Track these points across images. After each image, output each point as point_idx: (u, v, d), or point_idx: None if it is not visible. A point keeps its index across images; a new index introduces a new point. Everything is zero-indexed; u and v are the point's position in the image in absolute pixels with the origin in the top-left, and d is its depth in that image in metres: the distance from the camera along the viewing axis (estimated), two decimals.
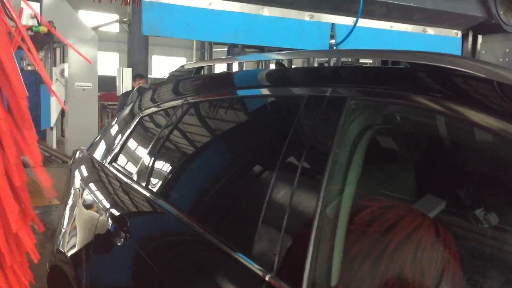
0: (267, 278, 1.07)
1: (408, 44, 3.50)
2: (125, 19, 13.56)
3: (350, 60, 6.16)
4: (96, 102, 8.94)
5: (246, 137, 1.58)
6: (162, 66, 24.27)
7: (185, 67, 2.18)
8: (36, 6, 2.13)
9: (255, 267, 1.12)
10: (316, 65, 5.38)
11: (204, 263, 1.34)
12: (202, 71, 2.14)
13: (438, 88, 1.04)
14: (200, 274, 1.32)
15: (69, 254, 2.07)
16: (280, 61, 3.17)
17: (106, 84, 14.30)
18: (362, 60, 6.98)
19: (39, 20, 2.09)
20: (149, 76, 14.70)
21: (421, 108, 1.03)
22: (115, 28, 21.90)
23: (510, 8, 3.59)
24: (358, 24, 3.16)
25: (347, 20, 3.22)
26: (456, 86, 1.02)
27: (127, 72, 10.06)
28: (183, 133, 1.85)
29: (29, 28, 2.07)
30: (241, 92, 1.65)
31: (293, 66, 4.71)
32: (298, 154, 1.18)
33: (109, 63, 21.88)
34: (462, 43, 3.90)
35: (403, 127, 1.21)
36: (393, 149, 1.27)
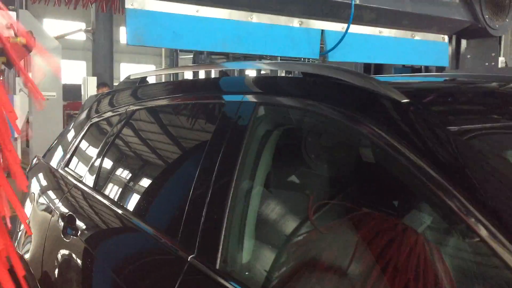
0: (189, 259, 1.29)
1: (396, 49, 3.44)
2: (89, 28, 13.22)
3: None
4: (61, 111, 8.70)
5: (177, 136, 1.86)
6: (154, 69, 23.94)
7: (131, 77, 2.44)
8: (12, 15, 1.95)
9: (180, 251, 1.34)
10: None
11: (135, 247, 1.60)
12: (146, 80, 2.39)
13: (320, 94, 1.28)
14: (134, 259, 1.57)
15: (24, 254, 2.25)
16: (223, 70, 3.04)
17: (73, 93, 13.89)
18: None
19: (15, 31, 1.91)
20: (115, 84, 14.42)
21: (309, 111, 1.26)
22: (82, 37, 21.41)
23: (495, 12, 3.58)
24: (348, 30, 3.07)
25: (337, 26, 3.13)
26: (331, 92, 1.26)
27: (92, 81, 9.90)
28: (126, 137, 2.09)
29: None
30: (174, 99, 1.90)
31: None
32: (217, 151, 1.39)
33: (77, 72, 21.33)
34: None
35: (298, 128, 1.44)
36: (292, 147, 1.46)
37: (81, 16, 19.23)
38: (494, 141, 1.06)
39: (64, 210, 2.03)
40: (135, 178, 1.91)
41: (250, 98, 1.44)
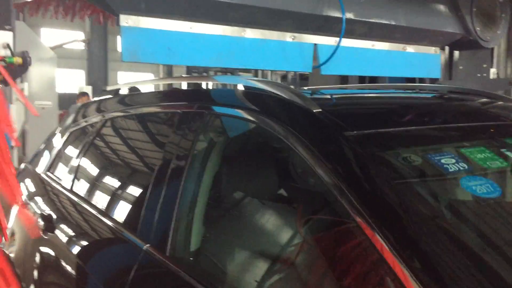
0: (144, 248, 1.51)
1: (389, 62, 3.49)
2: (84, 38, 13.26)
3: None
4: (57, 120, 8.75)
5: (141, 141, 2.13)
6: (129, 81, 23.92)
7: (107, 89, 2.71)
8: (9, 36, 2.00)
9: (138, 240, 1.56)
10: None
11: (100, 237, 1.87)
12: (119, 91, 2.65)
13: (253, 104, 1.50)
14: (98, 246, 1.85)
15: (9, 252, 2.49)
16: None
17: (70, 102, 13.99)
18: None
19: (12, 51, 1.95)
20: None
21: (246, 120, 1.47)
22: (80, 46, 21.45)
23: (486, 25, 3.64)
24: (340, 44, 3.12)
25: (330, 40, 3.18)
26: (261, 102, 1.50)
27: (87, 90, 9.98)
28: (98, 142, 2.33)
29: (2, 60, 1.93)
30: (138, 110, 2.14)
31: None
32: (170, 156, 1.60)
33: (75, 81, 21.37)
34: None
35: (240, 135, 1.62)
36: (234, 149, 1.64)
37: (78, 26, 19.30)
38: (385, 144, 1.28)
39: (44, 210, 2.26)
40: (104, 179, 2.18)
41: (200, 108, 1.66)
